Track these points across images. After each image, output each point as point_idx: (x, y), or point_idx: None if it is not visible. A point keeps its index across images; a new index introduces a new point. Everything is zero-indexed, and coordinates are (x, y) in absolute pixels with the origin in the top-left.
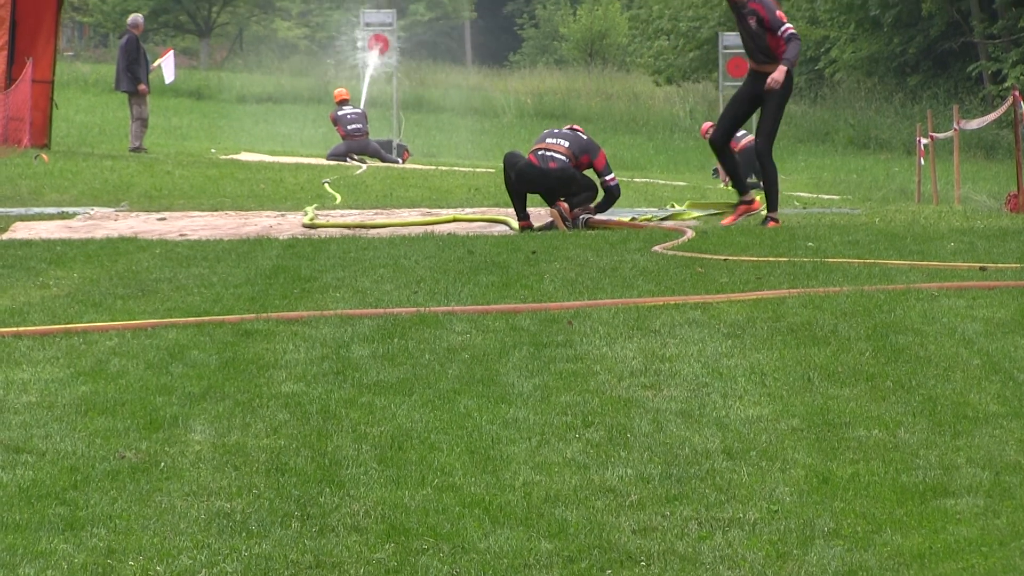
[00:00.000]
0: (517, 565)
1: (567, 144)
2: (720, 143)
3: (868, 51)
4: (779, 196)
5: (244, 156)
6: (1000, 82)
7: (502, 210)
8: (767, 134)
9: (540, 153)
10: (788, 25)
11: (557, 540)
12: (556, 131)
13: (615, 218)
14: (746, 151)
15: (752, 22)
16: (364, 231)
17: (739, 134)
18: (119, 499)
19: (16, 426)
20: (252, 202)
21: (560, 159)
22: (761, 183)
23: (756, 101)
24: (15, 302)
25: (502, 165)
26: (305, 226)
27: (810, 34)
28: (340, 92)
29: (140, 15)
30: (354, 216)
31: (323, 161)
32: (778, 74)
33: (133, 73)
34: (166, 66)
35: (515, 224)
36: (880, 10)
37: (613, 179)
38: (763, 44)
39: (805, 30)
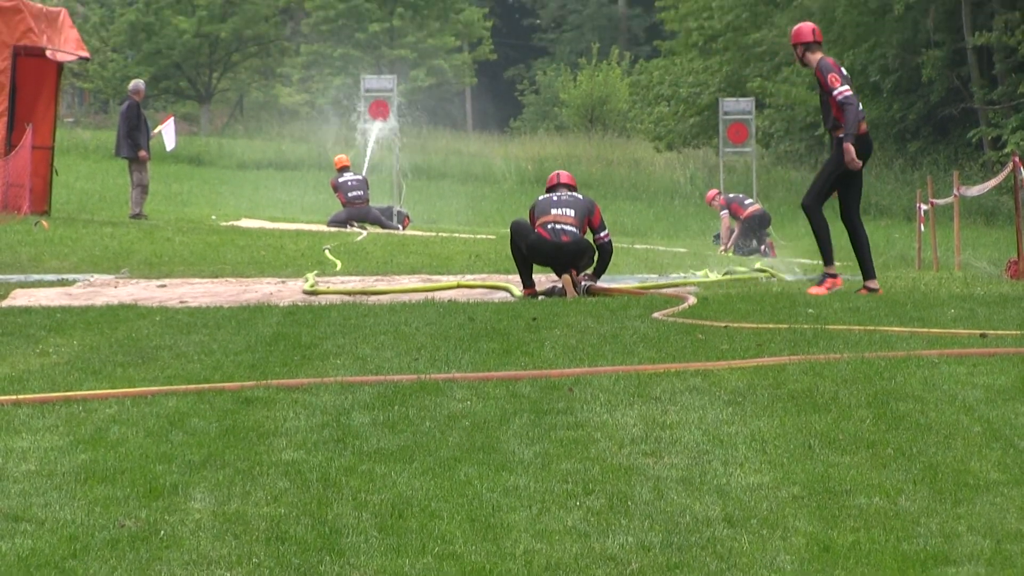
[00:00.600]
0: None
1: (573, 213)
2: (843, 218)
3: (868, 117)
4: (831, 250)
5: (244, 222)
6: (1000, 148)
7: (503, 276)
8: (813, 191)
9: (550, 226)
10: (841, 89)
11: None
12: (557, 198)
13: (615, 284)
14: (752, 218)
15: (819, 86)
16: (365, 298)
17: (747, 201)
18: (119, 568)
19: (15, 494)
20: (252, 269)
21: (571, 231)
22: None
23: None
24: (15, 369)
25: (509, 232)
26: (306, 292)
27: (809, 99)
28: (340, 158)
29: (141, 81)
30: (355, 283)
31: (324, 228)
32: (846, 155)
33: (133, 139)
34: (167, 133)
35: (517, 291)
36: (880, 76)
37: (607, 235)
38: (828, 108)
39: (804, 95)
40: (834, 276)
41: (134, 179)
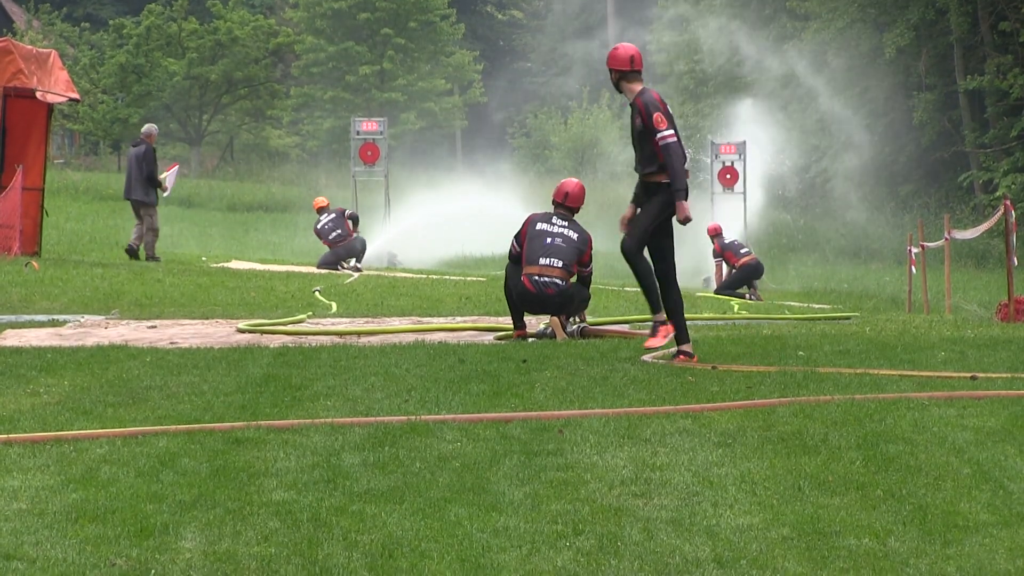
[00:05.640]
0: None
1: (561, 264)
2: (658, 273)
3: (860, 159)
4: (659, 297)
5: (234, 264)
6: (991, 191)
7: (494, 319)
8: (636, 237)
9: (535, 279)
10: (666, 132)
11: None
12: (549, 240)
13: (607, 327)
14: (746, 267)
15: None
16: (355, 339)
17: (743, 250)
18: None
19: (7, 533)
20: (243, 310)
21: (556, 283)
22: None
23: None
24: (5, 409)
25: (504, 273)
26: (240, 330)
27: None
28: (318, 200)
29: (154, 125)
30: (345, 324)
31: (314, 269)
32: (681, 213)
33: (153, 182)
34: (170, 179)
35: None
36: (871, 119)
37: (590, 269)
38: (646, 148)
39: (798, 139)
40: (665, 323)
41: (146, 223)
